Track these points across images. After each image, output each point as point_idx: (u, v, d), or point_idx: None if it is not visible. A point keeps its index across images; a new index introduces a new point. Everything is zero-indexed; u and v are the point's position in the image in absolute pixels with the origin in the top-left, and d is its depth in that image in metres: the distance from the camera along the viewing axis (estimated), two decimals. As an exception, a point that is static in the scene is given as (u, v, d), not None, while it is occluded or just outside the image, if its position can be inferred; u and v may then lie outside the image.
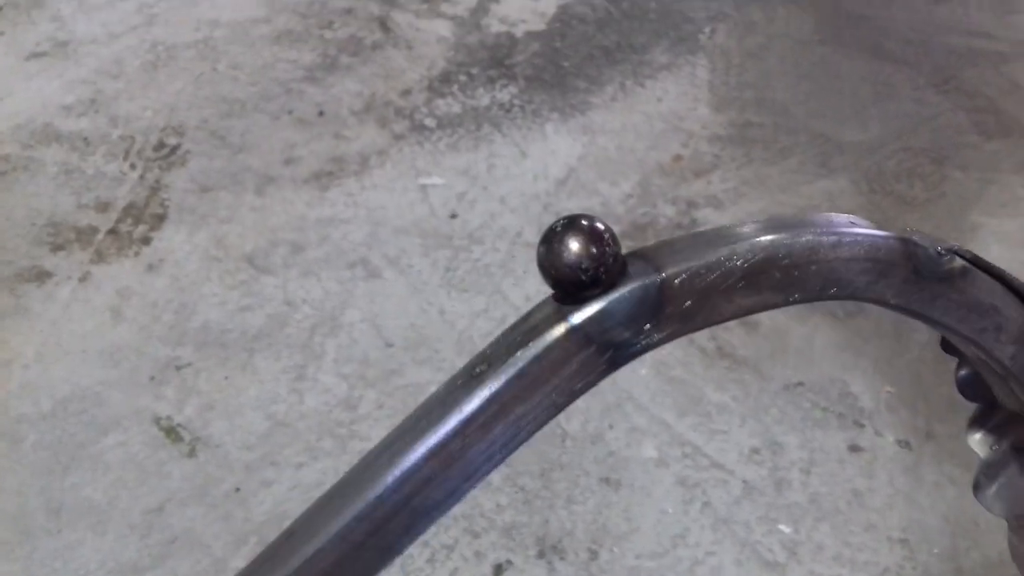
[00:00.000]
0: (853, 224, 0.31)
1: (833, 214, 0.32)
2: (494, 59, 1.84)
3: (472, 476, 0.32)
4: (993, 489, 0.42)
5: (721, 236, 0.30)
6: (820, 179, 1.56)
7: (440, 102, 1.73)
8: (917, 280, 0.29)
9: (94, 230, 1.46)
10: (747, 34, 1.88)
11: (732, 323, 1.28)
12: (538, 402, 0.31)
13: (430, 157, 1.61)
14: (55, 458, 1.16)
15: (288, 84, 1.76)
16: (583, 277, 0.28)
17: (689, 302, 0.29)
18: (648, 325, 0.29)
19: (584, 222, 0.29)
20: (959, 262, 0.29)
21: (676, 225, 1.48)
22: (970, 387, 0.42)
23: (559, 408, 0.31)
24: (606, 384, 1.10)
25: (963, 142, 1.63)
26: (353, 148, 1.63)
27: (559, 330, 0.29)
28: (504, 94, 1.75)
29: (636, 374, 1.25)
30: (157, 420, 1.20)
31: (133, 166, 1.58)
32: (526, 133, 1.66)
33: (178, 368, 1.26)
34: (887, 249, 0.29)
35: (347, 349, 1.30)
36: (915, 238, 0.29)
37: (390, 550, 0.33)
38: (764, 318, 1.32)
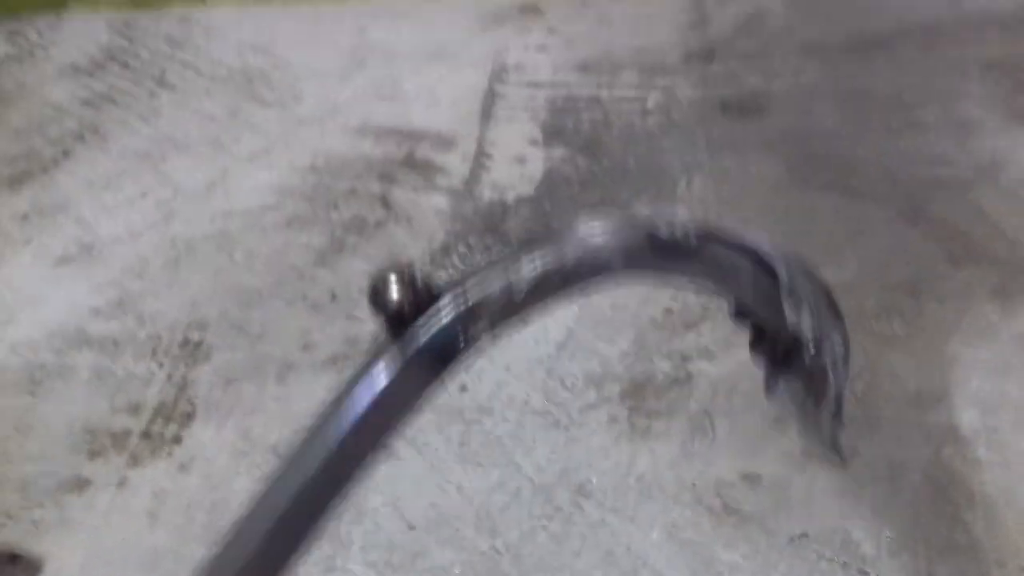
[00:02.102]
0: (604, 223, 0.41)
1: (588, 219, 0.41)
2: (489, 226, 1.96)
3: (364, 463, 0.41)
4: (778, 390, 0.54)
5: (511, 264, 0.39)
6: (805, 322, 1.65)
7: (442, 274, 1.84)
8: (665, 257, 0.39)
9: (128, 433, 1.56)
10: (722, 182, 2.01)
11: (735, 479, 1.36)
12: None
13: (437, 331, 1.71)
14: (104, 671, 1.22)
15: (301, 269, 1.88)
16: (405, 315, 0.38)
17: (492, 314, 0.39)
18: (463, 337, 0.40)
19: (397, 275, 0.39)
20: (694, 238, 0.39)
21: (673, 380, 1.57)
22: (738, 317, 0.54)
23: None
24: (620, 551, 1.17)
25: (937, 273, 1.73)
26: (366, 329, 1.73)
27: (395, 354, 0.38)
28: (501, 261, 1.86)
29: (648, 539, 1.32)
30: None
31: (161, 364, 1.69)
32: (525, 298, 1.77)
33: (215, 568, 1.33)
34: (634, 238, 0.38)
35: (372, 535, 1.37)
36: (655, 226, 0.38)
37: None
38: (764, 471, 1.40)
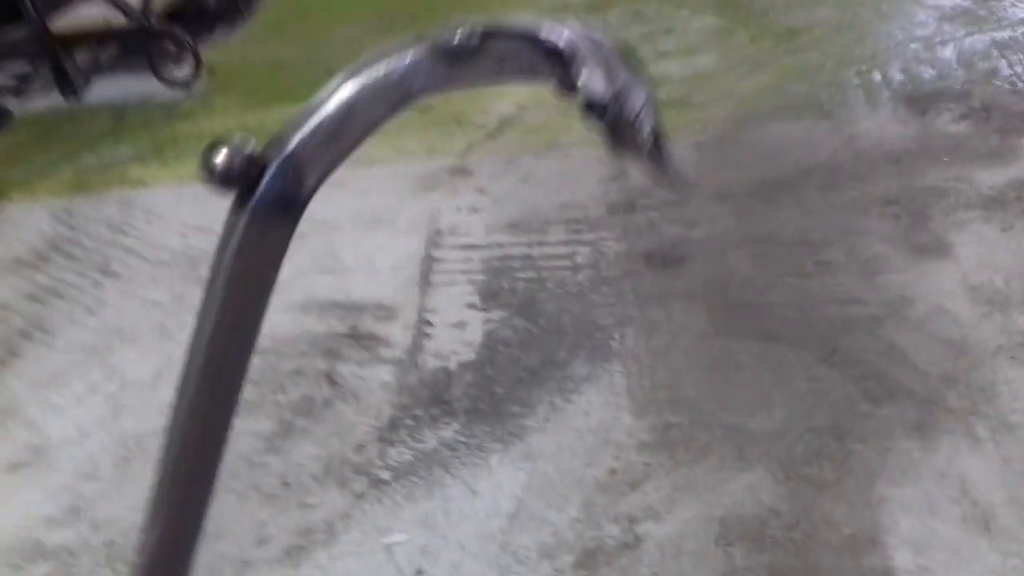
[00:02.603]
0: (407, 49, 0.47)
1: (397, 49, 0.47)
2: (434, 396, 2.03)
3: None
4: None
5: (318, 107, 0.45)
6: (740, 472, 1.74)
7: (392, 451, 1.90)
8: (460, 64, 0.45)
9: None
10: (652, 334, 2.13)
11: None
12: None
13: (390, 513, 1.75)
14: None
15: (251, 458, 1.92)
16: (235, 180, 0.45)
17: (315, 157, 0.45)
18: (299, 185, 0.46)
19: (226, 148, 0.46)
20: (475, 40, 0.45)
21: (623, 544, 1.63)
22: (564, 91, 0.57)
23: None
24: None
25: (857, 412, 1.84)
26: (319, 516, 1.77)
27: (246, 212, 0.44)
28: (448, 432, 1.93)
29: None
30: None
31: (117, 573, 1.70)
32: (473, 470, 1.83)
33: None
34: (426, 57, 0.44)
35: None
36: (439, 40, 0.42)
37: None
38: None
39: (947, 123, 2.79)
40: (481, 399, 2.01)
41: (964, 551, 1.54)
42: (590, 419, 1.91)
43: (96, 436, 2.04)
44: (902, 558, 1.54)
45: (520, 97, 3.40)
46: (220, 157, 0.47)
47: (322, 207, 2.68)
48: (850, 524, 1.61)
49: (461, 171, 2.94)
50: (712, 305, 2.19)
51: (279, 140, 0.47)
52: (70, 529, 1.81)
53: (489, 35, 0.47)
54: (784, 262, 2.30)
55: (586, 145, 2.99)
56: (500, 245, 2.54)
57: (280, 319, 2.34)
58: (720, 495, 1.70)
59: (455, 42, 0.43)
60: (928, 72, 3.06)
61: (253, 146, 0.48)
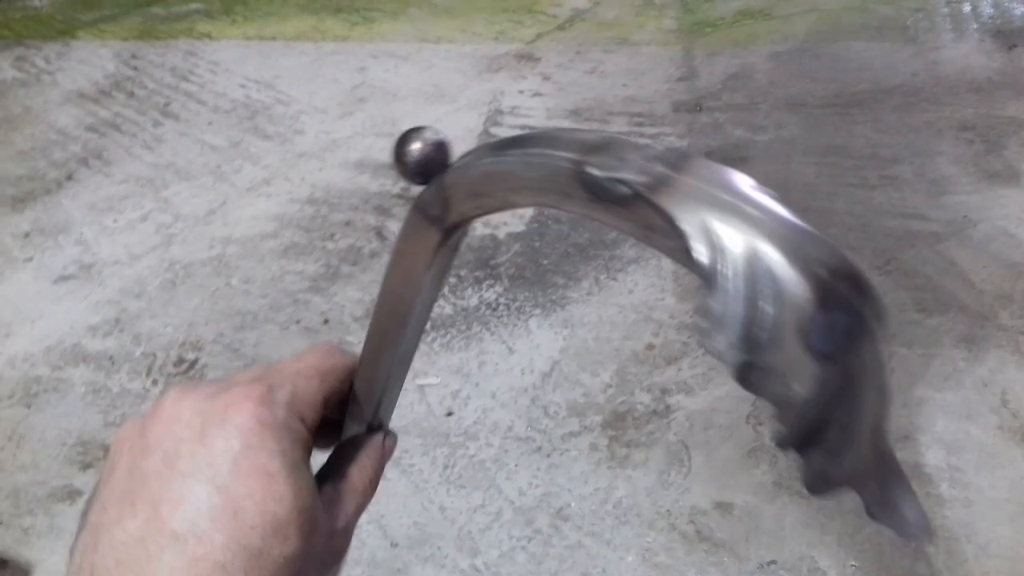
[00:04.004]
0: (545, 144, 0.38)
1: (543, 132, 0.39)
2: (480, 260, 2.03)
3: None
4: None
5: (487, 148, 0.40)
6: (780, 361, 1.72)
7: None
8: (594, 201, 0.35)
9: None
10: (706, 226, 2.09)
11: (709, 507, 1.42)
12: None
13: (426, 358, 1.77)
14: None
15: (295, 295, 1.94)
16: (418, 176, 0.41)
17: (460, 199, 0.41)
18: (442, 210, 0.42)
19: (427, 135, 0.41)
20: (627, 191, 0.34)
21: (652, 412, 1.63)
22: None
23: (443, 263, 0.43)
24: (596, 572, 1.22)
25: (906, 320, 1.80)
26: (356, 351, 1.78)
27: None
28: (490, 293, 1.93)
29: (624, 562, 1.36)
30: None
31: (155, 382, 1.74)
32: (512, 329, 1.83)
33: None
34: (566, 175, 0.35)
35: (356, 552, 1.41)
36: (590, 168, 0.34)
37: None
38: (737, 501, 1.45)
39: (1037, 59, 2.68)
40: (526, 268, 2.00)
41: (997, 456, 1.52)
42: (633, 297, 1.90)
43: (145, 260, 2.07)
44: (934, 456, 1.52)
45: (595, -8, 3.32)
46: (415, 148, 0.41)
47: (385, 76, 2.69)
48: (885, 420, 1.59)
49: (528, 57, 2.90)
50: (770, 205, 2.14)
51: (460, 159, 0.41)
52: (112, 339, 1.85)
53: (639, 197, 0.33)
54: (850, 173, 2.24)
55: (657, 44, 2.93)
56: (560, 129, 2.50)
57: (335, 174, 2.35)
58: (756, 379, 1.69)
59: (611, 194, 0.33)
60: (1019, 8, 2.92)
61: (444, 147, 0.41)
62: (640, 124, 2.50)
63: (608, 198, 0.33)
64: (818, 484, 0.34)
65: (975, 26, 2.89)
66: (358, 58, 2.90)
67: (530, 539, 1.42)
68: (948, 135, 2.36)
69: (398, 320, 0.47)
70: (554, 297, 1.91)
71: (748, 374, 0.30)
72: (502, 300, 1.91)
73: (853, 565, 1.36)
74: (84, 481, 1.54)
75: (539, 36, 3.03)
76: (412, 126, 0.40)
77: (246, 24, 3.21)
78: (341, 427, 0.48)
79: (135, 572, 0.33)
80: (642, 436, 1.58)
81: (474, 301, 1.91)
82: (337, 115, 2.62)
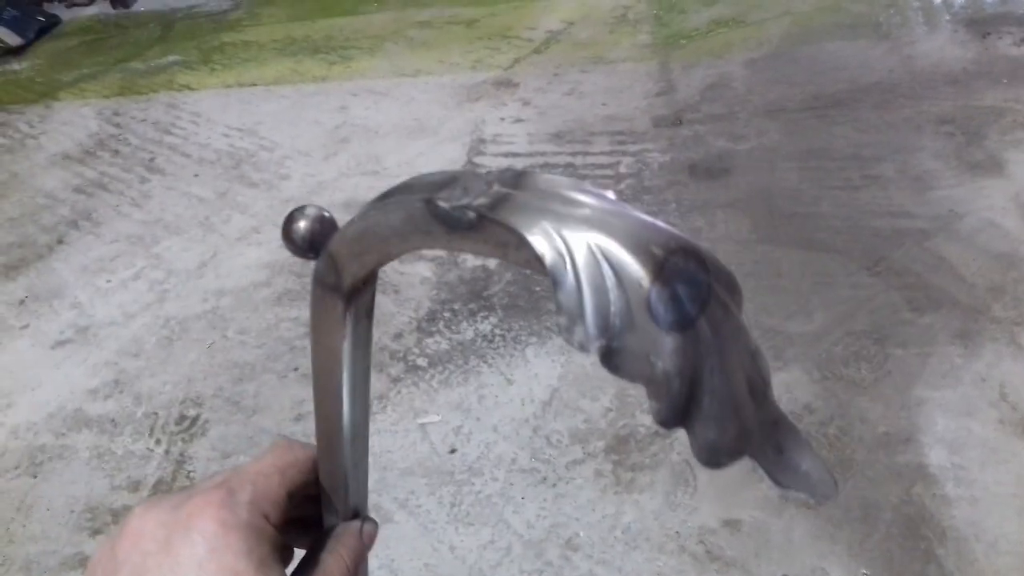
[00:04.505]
0: (404, 195, 0.40)
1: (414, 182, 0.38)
2: (473, 292, 2.04)
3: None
4: None
5: (361, 214, 0.41)
6: (777, 371, 1.73)
7: (429, 341, 1.91)
8: (451, 232, 0.37)
9: (129, 511, 1.60)
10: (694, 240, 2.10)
11: (717, 525, 1.42)
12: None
13: (426, 396, 1.77)
14: None
15: (292, 342, 1.95)
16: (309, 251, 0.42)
17: (346, 262, 0.42)
18: (336, 276, 0.43)
19: (309, 211, 0.42)
20: (472, 216, 0.36)
21: (654, 433, 1.63)
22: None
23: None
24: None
25: (899, 319, 1.81)
26: (355, 397, 1.79)
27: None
28: (485, 325, 1.94)
29: (635, 588, 1.36)
30: None
31: (159, 441, 1.74)
32: (509, 360, 1.84)
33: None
34: (420, 214, 0.37)
35: (370, 597, 1.41)
36: (439, 202, 0.35)
37: None
38: (745, 517, 1.45)
39: (1008, 46, 2.70)
40: (519, 297, 2.01)
41: (1000, 452, 1.52)
42: (627, 318, 1.91)
43: (140, 318, 2.08)
44: (936, 456, 1.53)
45: (567, 13, 3.35)
46: (300, 226, 0.44)
47: (366, 114, 2.70)
48: (885, 423, 1.60)
49: (506, 83, 2.92)
50: (756, 214, 2.16)
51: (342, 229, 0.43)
52: (112, 401, 1.86)
53: (484, 218, 0.35)
54: (833, 175, 2.25)
55: (634, 60, 2.95)
56: (542, 154, 2.52)
57: (321, 217, 2.36)
58: (755, 392, 1.69)
59: (461, 222, 0.35)
60: (993, -4, 2.95)
61: (327, 221, 0.43)
62: (622, 142, 2.52)
63: (460, 226, 0.35)
64: (710, 456, 0.34)
65: (947, 17, 2.91)
66: (338, 97, 2.92)
67: (541, 572, 1.42)
68: (928, 129, 2.38)
69: (332, 397, 0.48)
70: (549, 324, 1.92)
71: (612, 359, 0.32)
72: (497, 331, 1.92)
73: (864, 573, 1.36)
74: (94, 548, 1.54)
75: (516, 61, 3.05)
76: (296, 206, 0.42)
77: (225, 72, 3.24)
78: (317, 521, 0.49)
79: None
80: (646, 459, 1.59)
81: (470, 334, 1.92)
82: (321, 157, 2.63)
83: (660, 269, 0.33)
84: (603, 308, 0.32)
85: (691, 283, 0.33)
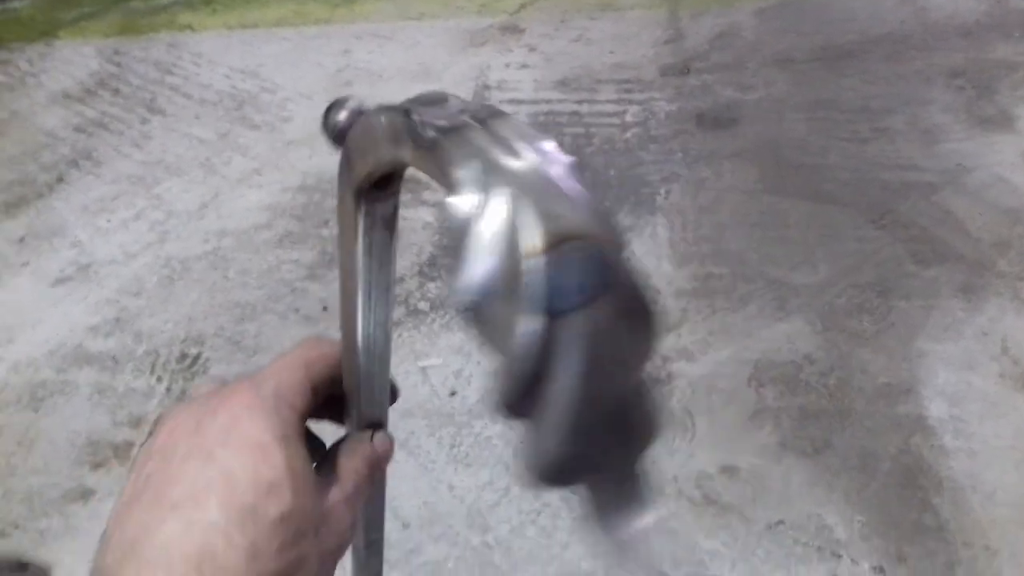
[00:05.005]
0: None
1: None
2: (475, 238, 2.03)
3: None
4: None
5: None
6: (778, 322, 1.73)
7: (431, 285, 1.91)
8: (416, 148, 0.37)
9: (130, 445, 1.61)
10: (699, 191, 2.09)
11: (715, 471, 1.42)
12: None
13: (427, 339, 1.77)
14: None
15: (293, 284, 1.94)
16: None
17: (355, 159, 0.41)
18: (349, 172, 0.43)
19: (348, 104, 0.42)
20: (432, 135, 0.36)
21: (653, 380, 1.63)
22: None
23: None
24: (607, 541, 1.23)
25: (903, 272, 1.80)
26: (356, 339, 1.79)
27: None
28: (487, 271, 1.93)
29: (632, 530, 1.37)
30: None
31: (160, 379, 1.75)
32: (511, 306, 1.83)
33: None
34: (399, 123, 0.37)
35: (369, 534, 1.42)
36: (414, 115, 0.35)
37: None
38: (742, 464, 1.46)
39: (1025, 0, 2.65)
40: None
41: (1000, 405, 1.53)
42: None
43: (141, 258, 2.07)
44: (936, 408, 1.53)
45: (577, -42, 3.29)
46: (334, 116, 0.43)
47: (369, 58, 2.66)
48: (886, 374, 1.60)
49: (512, 29, 2.87)
50: (763, 165, 2.14)
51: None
52: (113, 339, 1.86)
53: (436, 142, 0.34)
54: (842, 127, 2.23)
55: (642, 7, 2.90)
56: (548, 101, 2.49)
57: (326, 160, 2.34)
58: (756, 341, 1.69)
59: (418, 126, 0.35)
60: (1011, -52, 2.89)
61: (357, 114, 0.42)
62: (629, 90, 2.49)
63: (422, 144, 0.34)
64: (535, 467, 0.32)
65: (962, -30, 2.85)
66: (341, 40, 2.88)
67: (539, 513, 1.43)
68: (939, 82, 2.34)
69: (349, 301, 0.48)
70: (551, 271, 1.91)
71: (476, 317, 0.31)
72: (499, 277, 1.91)
73: (860, 521, 1.37)
74: (96, 481, 1.55)
75: (522, 6, 3.01)
76: (338, 97, 0.42)
77: (227, 13, 3.19)
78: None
79: (142, 548, 0.36)
80: (645, 405, 1.59)
81: (471, 279, 1.91)
82: (324, 100, 2.59)
83: (556, 247, 0.31)
84: (488, 264, 0.31)
85: (580, 275, 0.31)
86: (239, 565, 0.37)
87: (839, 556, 1.32)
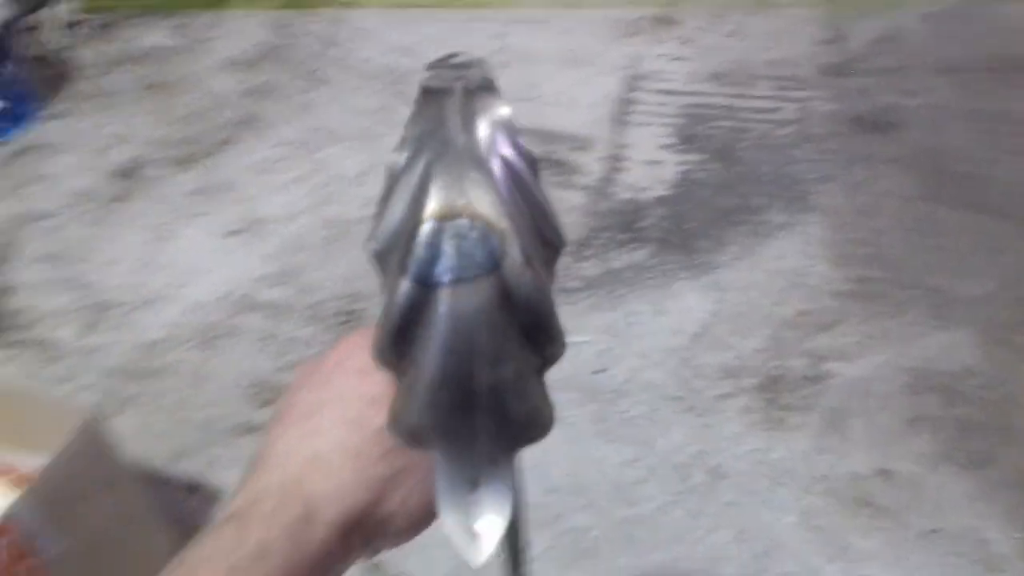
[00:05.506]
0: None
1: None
2: (624, 223, 2.05)
3: None
4: None
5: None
6: (938, 331, 1.69)
7: (581, 265, 1.94)
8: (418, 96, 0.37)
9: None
10: (855, 193, 2.05)
11: (870, 473, 1.41)
12: None
13: (576, 317, 1.81)
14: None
15: (446, 253, 2.01)
16: None
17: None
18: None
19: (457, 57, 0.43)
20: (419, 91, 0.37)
21: (807, 378, 1.63)
22: None
23: None
24: (754, 530, 1.24)
25: (1075, 292, 1.73)
26: (507, 311, 1.84)
27: None
28: (637, 256, 1.95)
29: (782, 522, 1.38)
30: (359, 561, 1.39)
31: (320, 330, 1.84)
32: (659, 292, 1.85)
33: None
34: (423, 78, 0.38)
35: (517, 496, 1.47)
36: (428, 71, 0.37)
37: None
38: (898, 468, 1.44)
39: None
40: (672, 232, 2.01)
41: None
42: (783, 263, 1.89)
43: (303, 218, 2.18)
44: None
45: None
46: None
47: (523, 41, 2.70)
48: (1053, 393, 1.55)
49: (666, 20, 2.87)
50: (922, 172, 2.09)
51: None
52: (278, 290, 1.96)
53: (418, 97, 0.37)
54: (1009, 140, 2.15)
55: (802, 5, 2.86)
56: (701, 93, 2.49)
57: (477, 138, 2.40)
58: (914, 348, 1.66)
59: (424, 80, 0.38)
60: None
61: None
62: (784, 88, 2.46)
63: (418, 94, 0.37)
64: (392, 417, 0.34)
65: None
66: (497, 24, 2.93)
67: (686, 494, 1.45)
68: (1120, 101, 2.24)
69: None
70: (701, 261, 1.92)
71: (377, 263, 0.34)
72: (649, 263, 1.93)
73: (1017, 537, 1.33)
74: (260, 418, 1.65)
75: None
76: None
77: (385, -9, 3.29)
78: None
79: (268, 455, 0.45)
80: (797, 400, 1.58)
81: (621, 263, 1.93)
82: (478, 80, 2.66)
83: (443, 219, 0.31)
84: (394, 215, 0.33)
85: (461, 251, 0.31)
86: (344, 464, 0.43)
87: (1003, 571, 1.29)
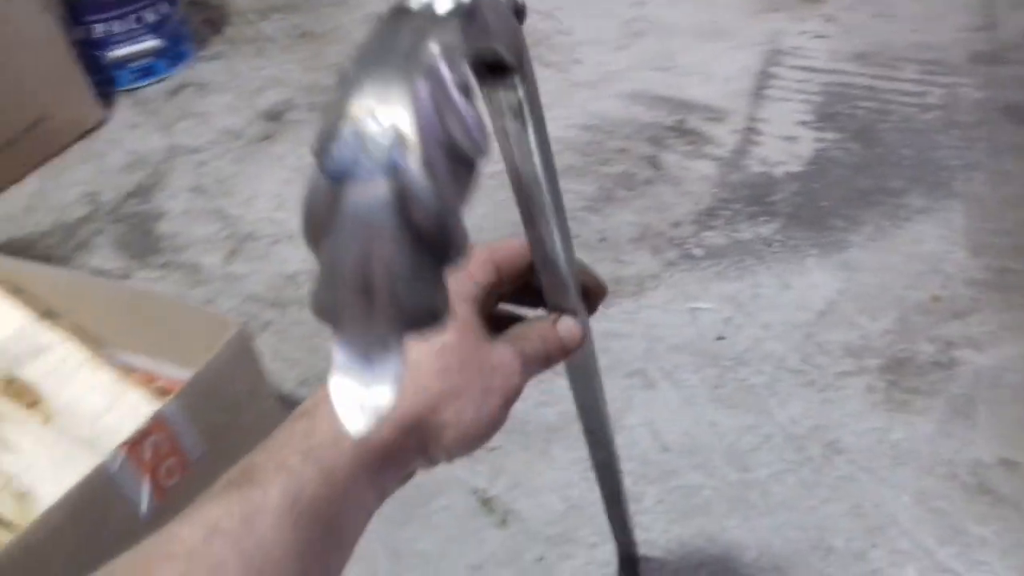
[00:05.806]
0: None
1: None
2: (755, 196, 2.04)
3: None
4: None
5: None
6: (1082, 329, 1.62)
7: (707, 234, 1.94)
8: None
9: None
10: (1002, 183, 1.98)
11: (993, 462, 1.38)
12: None
13: (698, 284, 1.81)
14: (395, 514, 1.43)
15: (574, 213, 2.04)
16: None
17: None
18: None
19: None
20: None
21: (935, 363, 1.59)
22: None
23: None
24: (869, 506, 1.24)
25: None
26: (630, 271, 1.86)
27: None
28: (766, 229, 1.93)
29: (898, 501, 1.36)
30: (474, 491, 1.45)
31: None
32: (786, 266, 1.84)
33: (490, 450, 1.51)
34: None
35: (628, 448, 1.50)
36: None
37: None
38: (1023, 459, 1.40)
39: None
40: (804, 208, 1.99)
41: None
42: (919, 247, 1.84)
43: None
44: None
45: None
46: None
47: (662, 12, 2.70)
48: None
49: (811, -2, 2.81)
50: (1080, 166, 1.99)
51: None
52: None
53: None
54: None
55: (958, -11, 2.74)
56: (843, 72, 2.43)
57: (610, 104, 2.41)
58: (1054, 343, 1.60)
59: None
60: None
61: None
62: (931, 72, 2.38)
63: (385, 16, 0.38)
64: (310, 298, 0.36)
65: None
66: (636, -8, 2.93)
67: (801, 464, 1.45)
68: None
69: (511, 176, 0.57)
70: (832, 239, 1.89)
71: (319, 161, 0.34)
72: (778, 237, 1.91)
73: None
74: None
75: (823, -23, 2.92)
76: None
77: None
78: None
79: None
80: (923, 384, 1.55)
81: (748, 235, 1.92)
82: (613, 47, 2.67)
83: (353, 120, 0.32)
84: (331, 117, 0.34)
85: (356, 152, 0.32)
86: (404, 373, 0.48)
87: None
